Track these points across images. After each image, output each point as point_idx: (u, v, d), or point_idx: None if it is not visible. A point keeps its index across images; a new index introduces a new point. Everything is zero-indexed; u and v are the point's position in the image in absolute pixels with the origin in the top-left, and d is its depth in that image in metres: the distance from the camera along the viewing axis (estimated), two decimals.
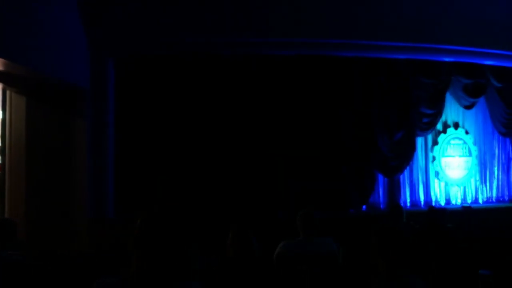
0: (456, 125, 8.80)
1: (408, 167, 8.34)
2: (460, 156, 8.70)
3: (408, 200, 8.30)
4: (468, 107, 8.60)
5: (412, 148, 8.03)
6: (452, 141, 8.67)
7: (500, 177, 9.19)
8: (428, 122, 8.14)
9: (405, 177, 8.33)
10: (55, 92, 6.13)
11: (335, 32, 6.96)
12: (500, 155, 9.22)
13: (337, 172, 7.52)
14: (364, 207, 7.86)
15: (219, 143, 6.91)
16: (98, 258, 5.26)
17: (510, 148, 9.19)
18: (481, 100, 8.93)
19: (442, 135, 8.60)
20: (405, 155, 7.97)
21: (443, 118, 8.74)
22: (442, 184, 8.60)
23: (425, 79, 7.69)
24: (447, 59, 7.58)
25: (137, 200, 6.46)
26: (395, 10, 7.06)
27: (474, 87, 8.38)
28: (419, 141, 8.47)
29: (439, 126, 8.67)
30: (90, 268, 4.88)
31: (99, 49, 6.33)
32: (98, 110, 6.27)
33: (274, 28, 6.72)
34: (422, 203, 8.37)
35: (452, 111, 8.81)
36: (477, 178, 8.96)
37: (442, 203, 8.53)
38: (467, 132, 8.86)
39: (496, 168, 9.20)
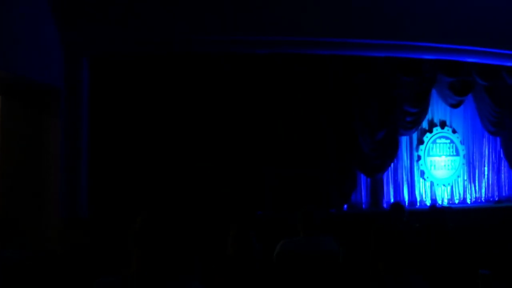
0: (443, 124, 8.66)
1: (392, 167, 8.23)
2: (446, 155, 8.56)
3: (392, 200, 8.17)
4: (454, 105, 8.44)
5: (395, 147, 7.92)
6: (438, 140, 8.53)
7: (490, 177, 9.04)
8: (412, 121, 8.02)
9: (389, 176, 8.22)
10: (29, 92, 6.15)
11: (314, 30, 6.88)
12: (490, 154, 9.06)
13: (318, 172, 7.44)
14: (345, 207, 7.77)
15: (194, 142, 6.88)
16: (70, 258, 5.29)
17: (501, 147, 9.01)
18: (470, 99, 8.78)
19: (427, 134, 8.46)
20: (388, 155, 7.86)
21: (429, 117, 8.60)
22: (428, 184, 8.47)
23: (406, 78, 7.57)
24: (428, 57, 7.44)
25: (112, 200, 6.46)
26: (375, 7, 6.96)
27: (461, 85, 8.23)
28: (404, 140, 8.36)
29: (425, 125, 8.54)
30: (62, 268, 4.91)
31: (73, 49, 6.34)
32: (72, 110, 6.28)
33: (250, 26, 6.67)
34: (407, 203, 8.25)
35: (439, 109, 8.67)
36: (465, 178, 8.81)
37: (428, 203, 8.40)
38: (454, 131, 8.70)
39: (486, 168, 9.04)
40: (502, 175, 9.15)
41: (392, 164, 8.22)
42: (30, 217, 5.98)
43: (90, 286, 1.70)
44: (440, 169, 8.51)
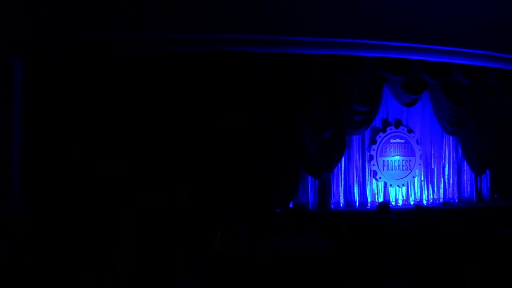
0: (398, 123, 8.49)
1: (343, 167, 8.11)
2: (400, 155, 8.39)
3: (342, 201, 8.05)
4: (408, 104, 8.27)
5: (342, 147, 7.79)
6: (392, 140, 8.36)
7: (450, 177, 8.84)
8: (361, 120, 7.88)
9: (339, 176, 8.09)
10: None
11: (253, 27, 6.80)
12: (451, 154, 8.86)
13: (261, 171, 7.36)
14: (291, 207, 7.66)
15: (130, 140, 6.87)
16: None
17: (459, 147, 8.80)
18: (427, 97, 8.60)
19: (380, 133, 8.30)
20: (335, 154, 7.74)
21: (383, 116, 8.46)
22: (381, 184, 8.31)
23: (349, 76, 7.44)
24: (370, 55, 7.30)
25: (45, 198, 6.49)
26: (317, 5, 6.87)
27: (414, 84, 8.06)
28: (356, 139, 8.22)
29: (379, 124, 8.39)
30: None
31: (5, 48, 6.37)
32: (3, 109, 6.32)
33: (186, 25, 6.62)
34: (357, 203, 8.11)
35: (394, 108, 8.50)
36: (422, 178, 8.62)
37: None
38: (410, 131, 8.53)
39: (446, 169, 8.85)
40: (464, 176, 8.96)
41: (343, 164, 8.11)
42: None
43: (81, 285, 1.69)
44: (393, 170, 8.34)
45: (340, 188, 8.07)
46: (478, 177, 8.96)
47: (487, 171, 8.86)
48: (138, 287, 1.59)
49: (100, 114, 6.84)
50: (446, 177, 8.80)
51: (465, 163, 8.85)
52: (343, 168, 8.10)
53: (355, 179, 8.16)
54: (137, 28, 6.42)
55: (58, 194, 6.51)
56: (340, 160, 7.82)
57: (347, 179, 8.15)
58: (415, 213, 5.40)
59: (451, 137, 8.83)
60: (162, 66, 6.93)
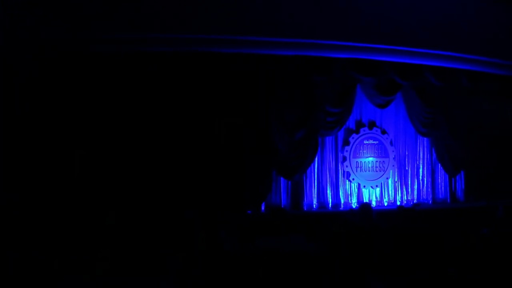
0: (371, 125, 8.51)
1: (316, 168, 8.10)
2: (374, 156, 8.41)
3: (315, 202, 8.05)
4: (382, 106, 8.29)
5: (315, 148, 7.78)
6: (366, 141, 8.38)
7: (424, 178, 8.88)
8: (333, 121, 7.88)
9: (312, 178, 8.08)
10: None
11: (226, 28, 6.78)
12: (424, 156, 8.91)
13: (233, 172, 7.32)
14: (263, 209, 7.64)
15: (103, 139, 6.83)
16: None
17: (432, 148, 8.85)
18: (401, 99, 8.64)
19: (354, 134, 8.31)
20: (307, 155, 7.73)
21: (357, 117, 8.47)
22: (354, 185, 8.32)
23: (320, 77, 7.44)
24: (340, 56, 7.31)
25: (27, 194, 6.42)
26: (288, 6, 6.86)
27: (387, 85, 8.08)
28: (329, 140, 8.22)
29: (352, 125, 8.40)
30: None
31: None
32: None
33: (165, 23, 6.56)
34: (330, 205, 8.11)
35: (368, 110, 8.52)
36: (396, 179, 8.65)
37: (354, 205, 8.25)
38: (384, 132, 8.55)
39: (421, 170, 8.89)
40: (439, 177, 9.01)
41: (316, 165, 8.10)
42: None
43: (54, 285, 1.66)
44: (367, 171, 8.35)
45: (313, 190, 8.07)
46: (453, 178, 9.02)
47: (461, 172, 8.91)
48: (119, 286, 1.59)
49: (87, 113, 6.77)
50: (420, 178, 8.84)
51: (439, 165, 8.90)
52: (316, 169, 8.10)
53: (328, 180, 8.16)
54: (126, 28, 6.36)
55: (41, 192, 6.45)
56: (312, 161, 7.81)
57: (320, 180, 8.14)
58: (398, 214, 5.52)
59: (425, 139, 8.88)
60: (138, 67, 6.89)
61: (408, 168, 8.78)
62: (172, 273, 2.96)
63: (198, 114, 7.23)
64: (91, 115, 6.90)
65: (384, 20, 7.01)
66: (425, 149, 8.91)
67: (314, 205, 8.02)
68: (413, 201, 8.67)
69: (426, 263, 4.19)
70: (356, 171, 8.28)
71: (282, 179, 7.82)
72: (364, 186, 8.31)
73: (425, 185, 8.86)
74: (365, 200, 8.35)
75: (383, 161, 8.47)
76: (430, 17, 7.10)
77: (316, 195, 8.07)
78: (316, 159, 8.05)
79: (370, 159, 8.37)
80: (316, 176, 8.11)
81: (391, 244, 4.72)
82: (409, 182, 8.76)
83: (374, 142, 8.44)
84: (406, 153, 8.80)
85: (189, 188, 7.16)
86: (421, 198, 8.81)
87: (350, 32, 6.94)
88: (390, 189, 8.60)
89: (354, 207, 8.18)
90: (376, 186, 8.40)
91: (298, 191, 7.90)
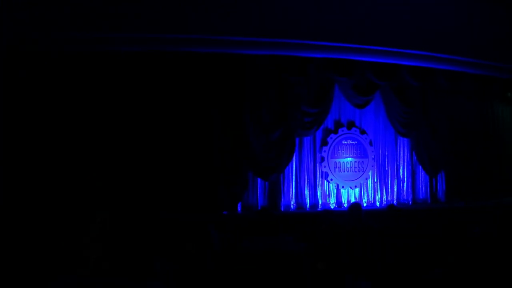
0: (350, 125, 8.48)
1: (294, 168, 8.06)
2: (353, 157, 8.37)
3: (293, 202, 8.00)
4: (360, 106, 8.27)
5: (291, 148, 7.74)
6: (344, 141, 8.34)
7: (405, 179, 8.85)
8: (310, 121, 7.85)
9: (290, 178, 8.04)
10: None
11: (199, 27, 6.75)
12: (405, 156, 8.88)
13: (208, 173, 7.28)
14: (239, 209, 7.60)
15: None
16: None
17: (412, 149, 8.82)
18: (380, 99, 8.61)
19: (332, 135, 8.28)
20: (284, 156, 7.68)
21: (336, 117, 8.44)
22: (333, 186, 8.28)
23: (294, 77, 7.41)
24: (315, 55, 7.28)
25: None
26: (257, 5, 6.84)
27: (365, 85, 8.06)
28: (307, 141, 8.19)
29: (331, 125, 8.38)
30: None
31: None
32: None
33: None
34: (308, 205, 8.07)
35: (347, 109, 8.49)
36: (375, 180, 8.61)
37: (332, 206, 8.22)
38: (363, 132, 8.52)
39: (401, 170, 8.86)
40: (419, 178, 8.97)
41: (294, 166, 8.07)
42: None
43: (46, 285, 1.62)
44: (345, 171, 8.32)
45: (291, 190, 8.03)
46: (434, 179, 8.99)
47: (442, 173, 8.88)
48: (111, 286, 1.54)
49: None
50: (401, 178, 8.81)
51: (420, 165, 8.86)
52: (294, 170, 8.06)
53: (306, 181, 8.12)
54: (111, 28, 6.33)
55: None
56: (289, 162, 7.77)
57: (298, 180, 8.10)
58: (387, 213, 5.55)
59: (405, 139, 8.85)
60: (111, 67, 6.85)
61: (388, 168, 8.75)
62: (162, 274, 2.93)
63: (170, 115, 7.16)
64: (80, 116, 6.85)
65: (358, 20, 6.99)
66: (406, 149, 8.88)
67: (292, 206, 7.97)
68: (393, 201, 8.62)
69: (418, 262, 4.18)
70: (335, 171, 8.24)
71: (259, 180, 7.77)
72: (343, 187, 8.27)
73: (405, 185, 8.82)
74: (344, 200, 8.32)
75: (362, 162, 8.43)
76: (405, 17, 7.09)
77: (294, 196, 8.03)
78: (295, 159, 8.02)
79: (349, 159, 8.33)
80: (294, 176, 8.07)
81: (384, 245, 4.77)
82: (389, 183, 8.72)
83: (353, 142, 8.40)
84: (386, 153, 8.77)
85: (163, 189, 7.10)
86: (402, 198, 8.78)
87: (324, 31, 6.91)
88: (369, 189, 8.56)
89: (332, 207, 8.16)
90: (355, 186, 8.36)
91: (275, 192, 7.85)
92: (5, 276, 4.37)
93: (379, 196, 8.62)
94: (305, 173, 8.14)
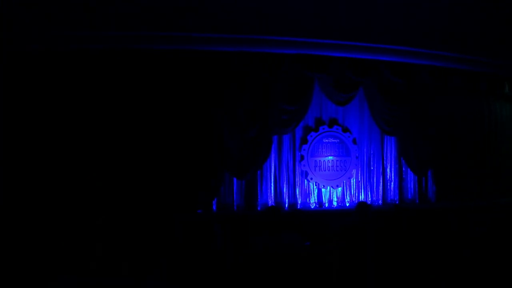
0: (332, 122, 8.30)
1: (273, 167, 7.96)
2: (334, 155, 8.19)
3: (271, 201, 7.88)
4: (341, 103, 8.07)
5: (268, 146, 7.63)
6: (325, 140, 8.17)
7: (392, 178, 8.61)
8: (288, 119, 7.71)
9: (269, 177, 7.93)
10: None
11: (174, 25, 6.75)
12: (392, 155, 8.63)
13: (180, 172, 7.24)
14: (214, 207, 7.54)
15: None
16: None
17: (400, 148, 8.56)
18: (363, 97, 8.38)
19: (312, 133, 8.12)
20: (260, 154, 7.58)
21: (317, 115, 8.28)
22: (313, 185, 8.12)
23: (268, 73, 7.28)
24: (289, 52, 7.15)
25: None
26: (230, 2, 6.76)
27: (346, 82, 7.86)
28: (287, 139, 8.05)
29: (311, 123, 8.22)
30: None
31: None
32: None
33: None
34: (287, 204, 7.94)
35: (330, 107, 8.31)
36: (359, 179, 8.40)
37: (313, 205, 8.07)
38: (346, 130, 8.31)
39: (388, 169, 8.62)
40: (407, 177, 8.71)
41: (273, 164, 7.96)
42: None
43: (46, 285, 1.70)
44: (326, 170, 8.15)
45: (270, 189, 7.91)
46: (423, 178, 8.71)
47: (429, 172, 8.60)
48: (110, 286, 1.56)
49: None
50: (388, 177, 8.56)
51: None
52: (273, 169, 7.95)
53: (286, 179, 7.99)
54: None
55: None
56: (265, 161, 7.66)
57: (277, 179, 7.98)
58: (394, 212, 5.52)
59: (392, 137, 8.60)
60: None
61: (374, 167, 8.52)
62: (161, 272, 2.94)
63: (143, 115, 7.15)
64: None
65: (333, 15, 6.81)
66: (392, 148, 8.62)
67: (270, 205, 7.85)
68: (379, 202, 8.41)
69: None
70: (315, 170, 8.08)
71: (235, 178, 7.69)
72: (323, 186, 8.10)
73: (392, 185, 8.58)
74: (325, 199, 8.16)
75: (345, 160, 8.24)
76: (380, 11, 6.85)
77: (273, 195, 7.91)
78: (274, 158, 7.92)
79: (330, 158, 8.16)
80: (273, 175, 7.95)
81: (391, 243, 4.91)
82: (374, 182, 8.49)
83: (335, 140, 8.22)
84: (372, 152, 8.53)
85: (139, 190, 7.11)
86: (389, 198, 8.54)
87: (298, 27, 6.79)
88: (353, 189, 8.35)
89: (312, 207, 8.02)
90: (337, 186, 8.18)
91: (252, 191, 7.76)
92: (5, 276, 4.44)
93: (363, 195, 8.40)
94: (285, 172, 8.02)
